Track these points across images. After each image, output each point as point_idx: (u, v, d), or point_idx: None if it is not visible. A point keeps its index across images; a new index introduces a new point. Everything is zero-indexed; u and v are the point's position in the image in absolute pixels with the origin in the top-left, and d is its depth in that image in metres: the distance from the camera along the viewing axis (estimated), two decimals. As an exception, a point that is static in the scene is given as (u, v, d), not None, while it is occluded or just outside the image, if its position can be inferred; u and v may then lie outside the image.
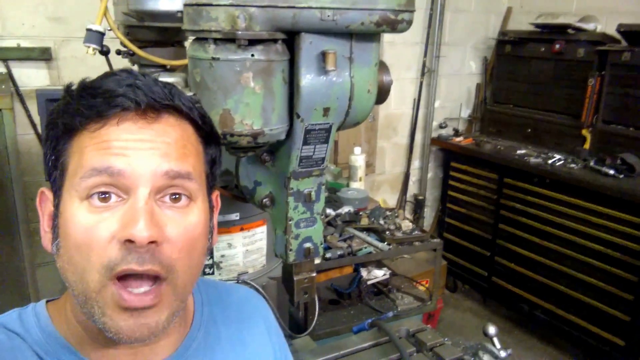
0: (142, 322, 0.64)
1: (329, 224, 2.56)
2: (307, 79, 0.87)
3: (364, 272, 2.61)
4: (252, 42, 0.82)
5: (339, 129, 0.98)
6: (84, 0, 2.40)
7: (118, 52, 1.55)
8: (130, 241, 0.61)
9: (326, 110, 0.91)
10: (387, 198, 4.02)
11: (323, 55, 0.86)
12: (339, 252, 2.29)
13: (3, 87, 2.15)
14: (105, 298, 0.63)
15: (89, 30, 1.41)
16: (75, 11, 2.46)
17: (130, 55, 1.48)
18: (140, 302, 0.63)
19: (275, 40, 0.85)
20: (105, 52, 1.46)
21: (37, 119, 2.47)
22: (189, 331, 0.82)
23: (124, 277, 0.63)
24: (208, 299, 0.89)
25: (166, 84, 0.69)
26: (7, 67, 2.40)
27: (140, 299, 0.63)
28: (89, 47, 1.42)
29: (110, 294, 0.62)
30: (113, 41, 1.43)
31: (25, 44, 2.43)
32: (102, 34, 1.43)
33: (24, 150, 2.50)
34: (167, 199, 0.66)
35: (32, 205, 2.55)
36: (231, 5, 0.79)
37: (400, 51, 3.75)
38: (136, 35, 1.48)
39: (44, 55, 2.46)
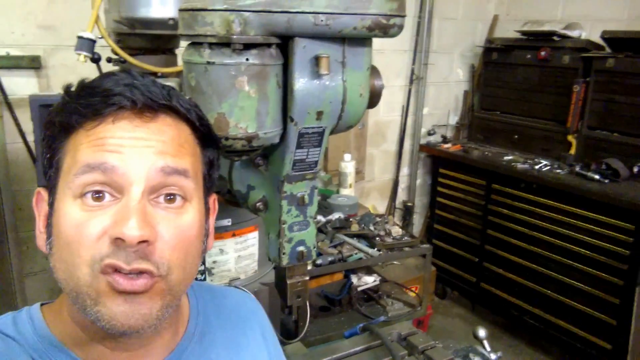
0: (135, 308, 0.63)
1: (319, 230, 2.56)
2: (301, 82, 0.88)
3: (354, 279, 2.62)
4: (247, 47, 0.83)
5: (331, 132, 0.99)
6: (74, 8, 2.41)
7: (109, 60, 1.55)
8: (120, 240, 0.61)
9: (319, 114, 0.92)
10: (377, 205, 4.04)
11: (316, 60, 0.87)
12: (329, 258, 2.30)
13: (-8, 95, 2.14)
14: (97, 288, 0.62)
15: (80, 37, 1.41)
16: (65, 19, 2.46)
17: (121, 62, 1.49)
18: (132, 285, 0.62)
19: (269, 45, 0.86)
20: (96, 59, 1.46)
21: (25, 127, 2.45)
22: (183, 335, 0.81)
23: (114, 273, 0.62)
24: (203, 303, 0.88)
25: (165, 86, 0.69)
26: (-4, 76, 2.39)
27: (133, 283, 0.62)
28: (80, 54, 1.42)
29: (103, 281, 0.62)
30: (104, 49, 1.43)
31: (14, 52, 2.42)
32: (94, 42, 1.43)
33: (13, 159, 2.48)
34: (161, 199, 0.66)
35: (20, 214, 2.52)
36: (226, 10, 0.80)
37: (389, 59, 3.79)
38: (127, 43, 1.48)
39: (33, 64, 2.45)
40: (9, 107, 2.43)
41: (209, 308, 0.89)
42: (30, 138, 2.47)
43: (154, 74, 1.48)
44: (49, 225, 0.68)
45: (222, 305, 0.92)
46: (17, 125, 2.46)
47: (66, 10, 2.45)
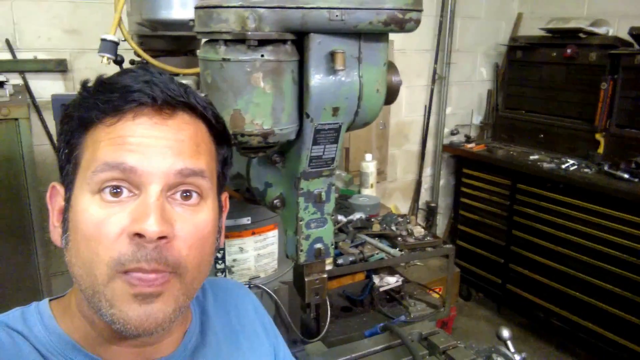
0: (149, 312, 0.64)
1: (340, 230, 2.56)
2: (317, 78, 0.88)
3: (376, 279, 2.60)
4: (262, 43, 0.83)
5: (348, 129, 0.99)
6: (99, 12, 2.47)
7: (132, 62, 1.57)
8: (139, 235, 0.61)
9: (335, 110, 0.92)
10: (399, 206, 4.02)
11: (332, 55, 0.87)
12: (350, 258, 2.29)
13: (20, 97, 2.18)
14: (113, 290, 0.63)
15: (103, 40, 1.44)
16: (89, 23, 2.51)
17: (144, 64, 1.51)
18: (148, 285, 0.63)
19: (284, 41, 0.86)
20: (119, 61, 1.48)
21: (52, 129, 2.51)
22: (188, 327, 0.82)
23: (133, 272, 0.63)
24: (202, 294, 0.90)
25: (181, 83, 0.70)
26: (24, 79, 2.45)
27: (149, 283, 0.63)
28: (103, 56, 1.45)
29: (119, 283, 0.63)
30: (127, 51, 1.46)
31: (41, 56, 2.48)
32: (117, 44, 1.45)
33: (40, 160, 2.54)
34: (178, 196, 0.67)
35: (47, 215, 2.57)
36: (241, 6, 0.81)
37: (411, 58, 3.76)
38: (149, 45, 1.51)
39: (59, 67, 2.51)
40: (37, 109, 2.50)
41: (205, 298, 0.90)
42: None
43: (176, 75, 1.50)
44: (64, 220, 0.68)
45: (215, 294, 0.92)
46: (45, 127, 2.53)
47: (90, 14, 2.50)
